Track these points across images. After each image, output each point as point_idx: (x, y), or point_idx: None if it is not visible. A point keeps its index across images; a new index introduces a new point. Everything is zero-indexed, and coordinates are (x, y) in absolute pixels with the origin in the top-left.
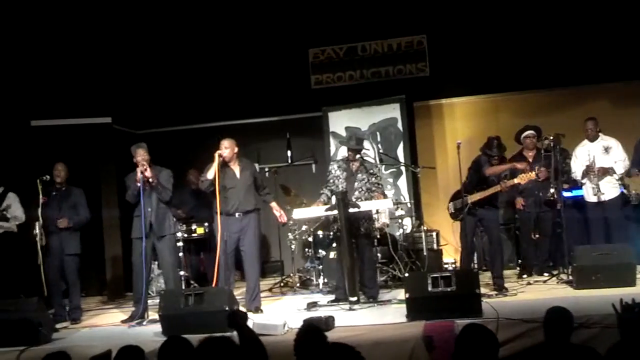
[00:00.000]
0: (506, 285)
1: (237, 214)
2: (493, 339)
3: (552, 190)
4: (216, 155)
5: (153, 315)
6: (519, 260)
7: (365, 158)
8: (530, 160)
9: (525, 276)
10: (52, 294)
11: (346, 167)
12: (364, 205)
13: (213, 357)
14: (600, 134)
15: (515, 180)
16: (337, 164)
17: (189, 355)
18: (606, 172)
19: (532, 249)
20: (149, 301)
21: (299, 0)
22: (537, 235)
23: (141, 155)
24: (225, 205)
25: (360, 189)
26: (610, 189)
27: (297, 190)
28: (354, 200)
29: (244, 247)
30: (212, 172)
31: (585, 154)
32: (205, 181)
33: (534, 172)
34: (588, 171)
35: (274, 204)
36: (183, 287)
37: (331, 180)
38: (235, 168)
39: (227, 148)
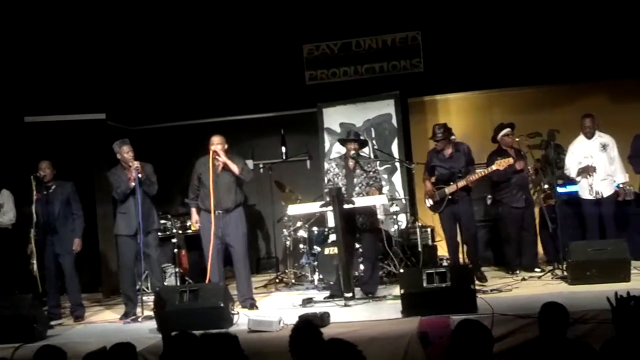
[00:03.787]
0: (501, 281)
1: (217, 212)
2: (488, 335)
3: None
4: (211, 152)
5: (148, 311)
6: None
7: (360, 154)
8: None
9: (518, 272)
10: (47, 291)
11: (344, 164)
12: (359, 202)
13: (213, 353)
14: (596, 130)
15: (494, 167)
16: (335, 161)
17: (195, 350)
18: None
19: (515, 246)
20: (144, 297)
21: None
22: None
23: (128, 152)
24: (206, 204)
25: (360, 184)
26: (606, 187)
27: (291, 186)
28: (354, 196)
29: (231, 246)
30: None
31: (582, 151)
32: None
33: (511, 158)
34: (587, 170)
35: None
36: (177, 284)
37: (332, 179)
38: (218, 165)
39: (218, 144)
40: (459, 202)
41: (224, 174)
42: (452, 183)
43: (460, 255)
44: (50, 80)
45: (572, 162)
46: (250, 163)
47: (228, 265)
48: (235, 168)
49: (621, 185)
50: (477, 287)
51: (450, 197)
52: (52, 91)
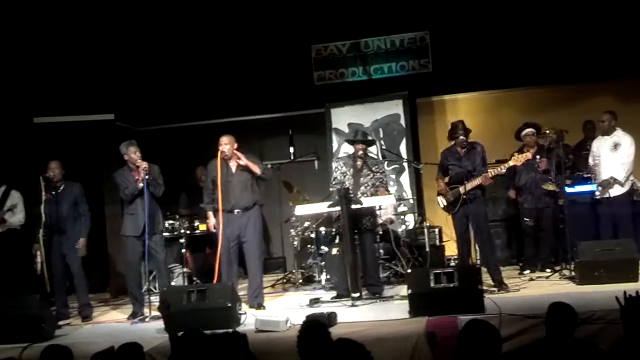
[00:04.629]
0: (509, 281)
1: (235, 211)
2: (496, 335)
3: (550, 187)
4: (218, 153)
5: (156, 312)
6: (521, 257)
7: (368, 154)
8: (531, 157)
9: (527, 272)
10: (55, 291)
11: (352, 164)
12: (367, 202)
13: (221, 352)
14: (617, 129)
15: (511, 163)
16: (343, 160)
17: (205, 347)
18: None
19: (532, 245)
20: (152, 298)
21: None
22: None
23: (135, 152)
24: (223, 203)
25: (366, 185)
26: (617, 186)
27: (299, 186)
28: (359, 196)
29: (246, 244)
30: (209, 205)
31: (595, 149)
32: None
33: (529, 152)
34: (590, 172)
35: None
36: (185, 284)
37: (338, 177)
38: (233, 164)
39: (226, 144)
40: (473, 203)
41: (240, 173)
42: (466, 182)
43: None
44: (59, 81)
45: (591, 159)
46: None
47: (242, 267)
48: (257, 169)
49: (611, 180)
50: (484, 287)
51: (464, 196)
52: (61, 92)
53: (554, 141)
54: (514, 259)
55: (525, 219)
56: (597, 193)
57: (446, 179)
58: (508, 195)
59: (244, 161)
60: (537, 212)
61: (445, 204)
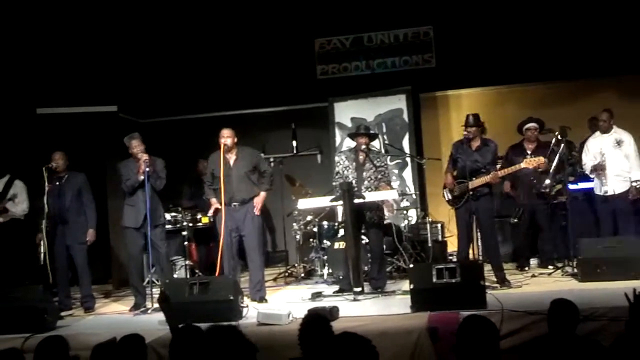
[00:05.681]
0: (511, 278)
1: (233, 204)
2: (494, 330)
3: (547, 182)
4: (222, 145)
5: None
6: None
7: (370, 148)
8: (529, 152)
9: (527, 268)
10: (57, 282)
11: (355, 158)
12: (370, 197)
13: (219, 345)
14: (614, 126)
15: (522, 165)
16: (345, 154)
17: (200, 343)
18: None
19: (524, 241)
20: (154, 289)
21: None
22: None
23: (137, 146)
24: (224, 196)
25: (369, 179)
26: (619, 183)
27: (302, 180)
28: (364, 190)
29: (245, 238)
30: (210, 193)
31: (596, 147)
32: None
33: (542, 157)
34: (596, 169)
35: (262, 194)
36: (188, 276)
37: (341, 171)
38: (231, 157)
39: (228, 137)
40: (479, 199)
41: (238, 166)
42: (474, 178)
43: (471, 252)
44: (63, 72)
45: (587, 159)
46: (260, 155)
47: (242, 260)
48: (263, 198)
49: (634, 184)
50: (487, 283)
51: (471, 192)
52: (64, 83)
53: (558, 139)
54: (513, 254)
55: (513, 219)
56: (602, 192)
57: (455, 172)
58: (502, 189)
59: (258, 211)
60: (533, 209)
61: (450, 197)
